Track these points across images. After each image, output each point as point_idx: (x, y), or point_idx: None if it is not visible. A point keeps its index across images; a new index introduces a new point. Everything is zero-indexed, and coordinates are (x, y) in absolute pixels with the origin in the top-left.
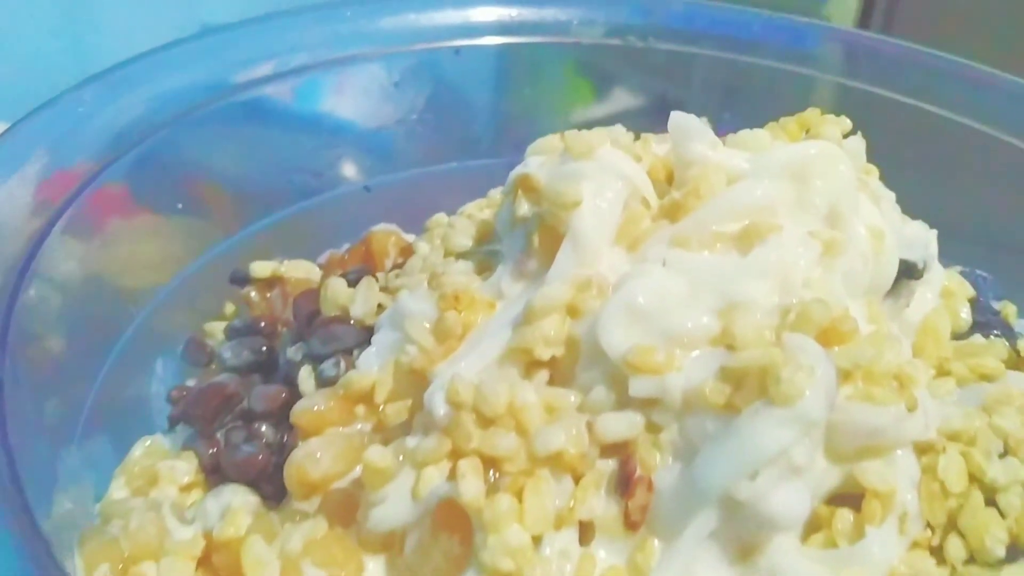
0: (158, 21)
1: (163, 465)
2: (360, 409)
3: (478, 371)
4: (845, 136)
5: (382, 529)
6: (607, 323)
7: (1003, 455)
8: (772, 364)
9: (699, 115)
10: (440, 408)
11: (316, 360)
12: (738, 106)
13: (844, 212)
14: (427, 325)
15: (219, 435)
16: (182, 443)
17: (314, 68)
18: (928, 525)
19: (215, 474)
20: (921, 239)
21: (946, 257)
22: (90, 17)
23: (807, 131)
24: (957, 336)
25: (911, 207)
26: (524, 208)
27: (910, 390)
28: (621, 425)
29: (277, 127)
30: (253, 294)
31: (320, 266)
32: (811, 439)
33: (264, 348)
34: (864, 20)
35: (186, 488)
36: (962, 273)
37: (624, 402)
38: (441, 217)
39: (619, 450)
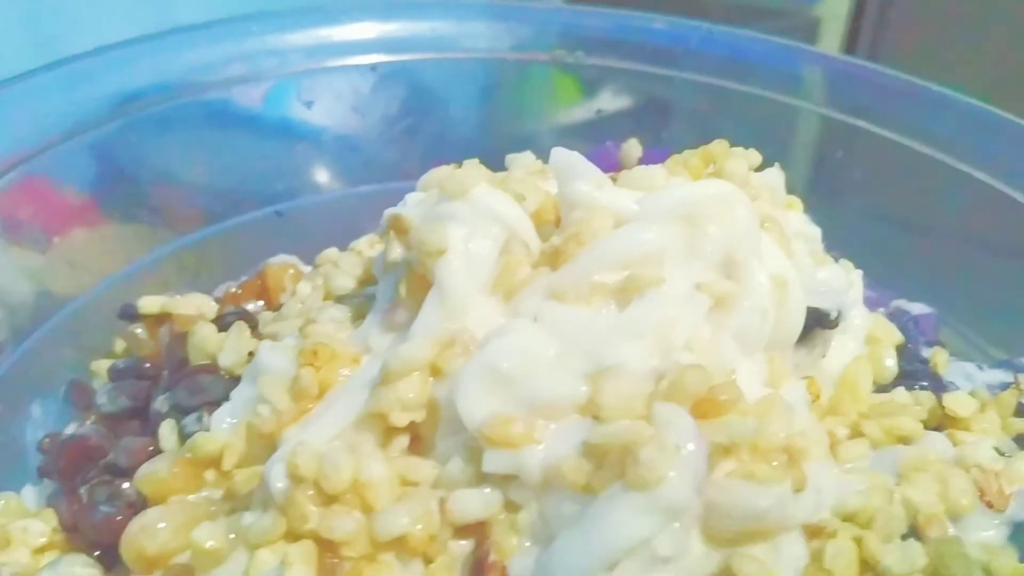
0: (130, 21)
1: (15, 526)
2: (210, 475)
3: (330, 437)
4: (759, 169)
5: None
6: (465, 388)
7: (907, 536)
8: (633, 442)
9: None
10: (278, 482)
11: (182, 413)
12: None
13: (741, 260)
14: (284, 382)
15: (83, 491)
16: (47, 498)
17: (224, 83)
18: None
19: (75, 534)
20: (837, 285)
21: (912, 292)
22: (60, 12)
23: (712, 165)
24: (881, 387)
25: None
26: (396, 252)
27: (799, 467)
28: (476, 504)
29: (185, 145)
30: (140, 331)
31: (217, 300)
32: (681, 525)
33: (146, 394)
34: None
35: (40, 550)
36: (892, 315)
37: (482, 477)
38: (331, 252)
39: (475, 531)
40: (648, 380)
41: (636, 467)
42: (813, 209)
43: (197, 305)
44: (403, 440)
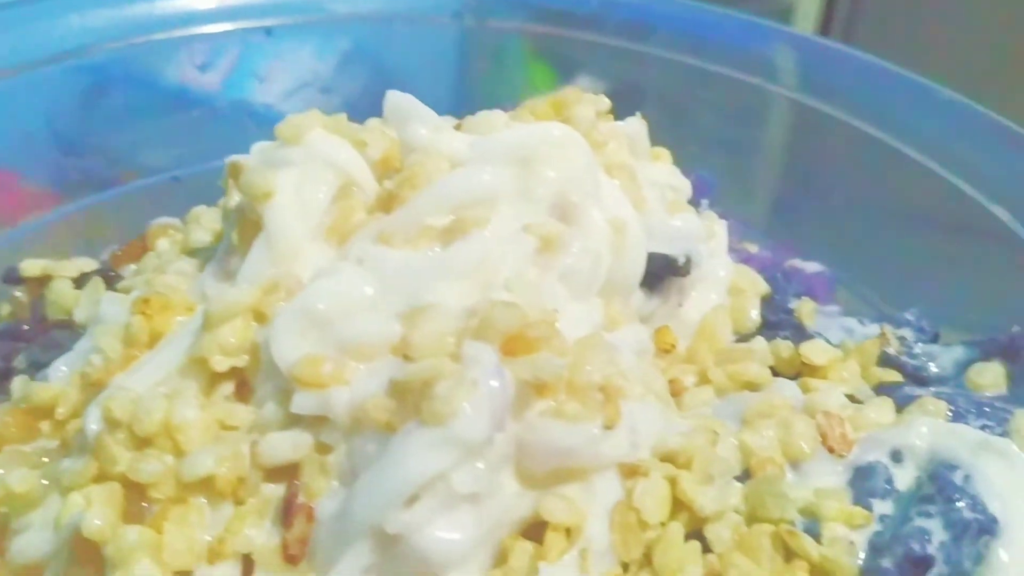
0: None
1: None
2: (46, 426)
3: (153, 383)
4: (605, 114)
5: (22, 561)
6: (279, 330)
7: (744, 478)
8: (433, 377)
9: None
10: (92, 424)
11: (38, 369)
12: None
13: (576, 203)
14: (118, 332)
15: None
16: None
17: (120, 47)
18: (621, 562)
19: None
20: (689, 232)
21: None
22: None
23: (561, 112)
24: (744, 338)
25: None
26: (234, 199)
27: (614, 405)
28: (285, 446)
29: (75, 107)
30: (19, 294)
31: (102, 263)
32: (486, 463)
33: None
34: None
35: None
36: (787, 274)
37: (294, 419)
38: (199, 209)
39: (288, 474)
40: (462, 319)
41: (431, 401)
42: (723, 171)
43: (79, 267)
44: (227, 387)
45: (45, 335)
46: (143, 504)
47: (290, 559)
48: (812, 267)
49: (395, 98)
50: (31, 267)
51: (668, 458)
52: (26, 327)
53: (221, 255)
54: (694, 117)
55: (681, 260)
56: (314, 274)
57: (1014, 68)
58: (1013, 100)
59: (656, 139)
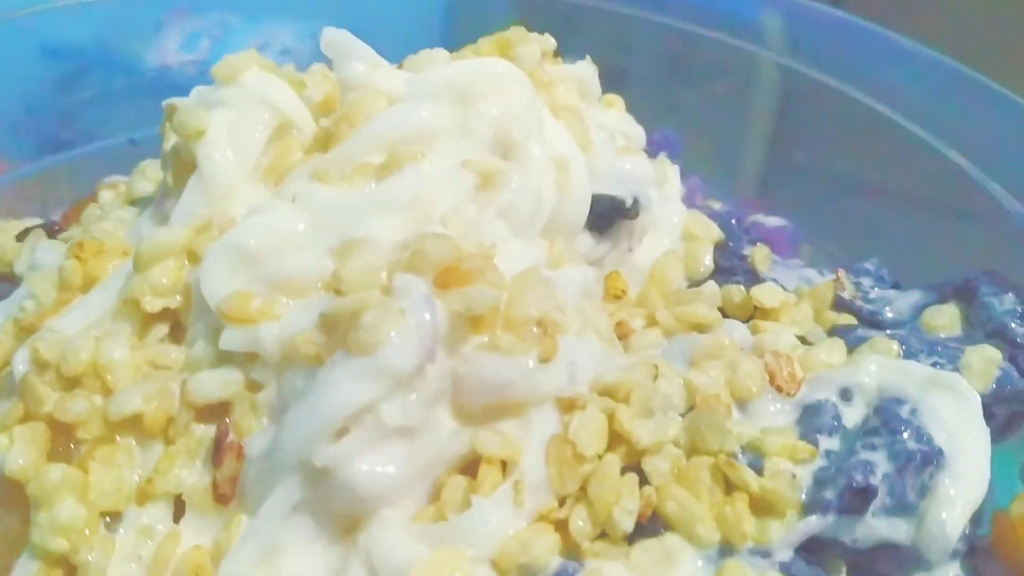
0: None
1: None
2: None
3: (85, 326)
4: (551, 54)
5: None
6: (209, 267)
7: (688, 413)
8: (360, 308)
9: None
10: (20, 365)
11: None
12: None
13: (517, 139)
14: (52, 277)
15: None
16: None
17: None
18: (557, 496)
19: None
20: (638, 175)
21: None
22: None
23: (506, 52)
24: (696, 283)
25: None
26: (171, 141)
27: (551, 339)
28: (215, 384)
29: (29, 71)
30: None
31: (54, 223)
32: (419, 396)
33: None
34: None
35: None
36: (748, 228)
37: (224, 357)
38: (148, 162)
39: (220, 413)
40: (394, 253)
41: (357, 331)
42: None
43: (26, 226)
44: (161, 329)
45: None
46: (71, 446)
47: (220, 499)
48: (774, 221)
49: (331, 34)
50: None
51: (607, 392)
52: None
53: (158, 199)
54: (672, 78)
55: (629, 202)
56: (248, 213)
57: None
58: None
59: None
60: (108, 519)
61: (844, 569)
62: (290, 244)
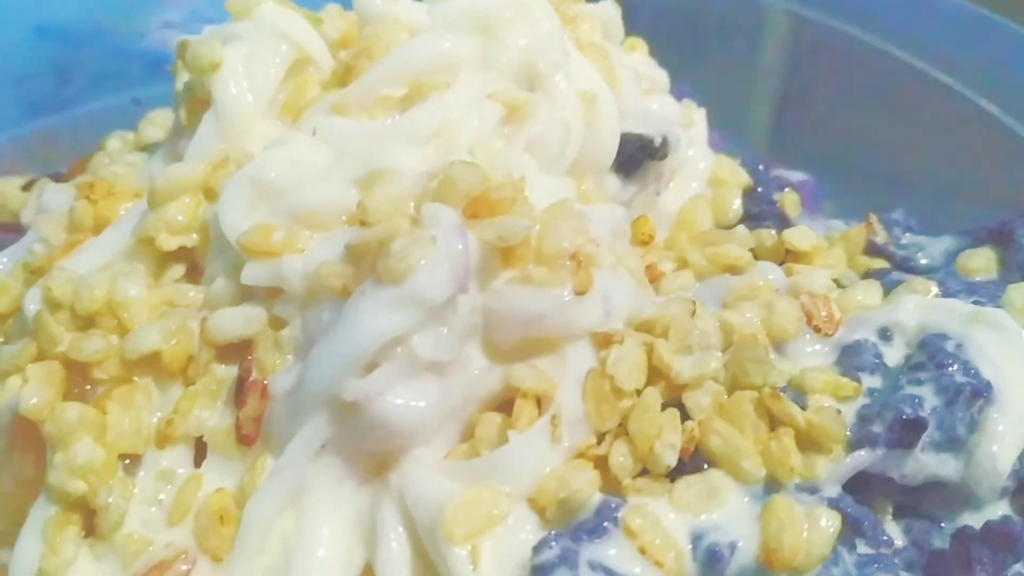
0: None
1: None
2: None
3: (97, 267)
4: None
5: None
6: (227, 200)
7: (726, 350)
8: (389, 236)
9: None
10: (31, 305)
11: None
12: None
13: (543, 72)
14: (62, 220)
15: None
16: None
17: None
18: (596, 432)
19: None
20: (667, 115)
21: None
22: None
23: None
24: (724, 228)
25: None
26: (183, 79)
27: (585, 272)
28: (236, 321)
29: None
30: None
31: (59, 176)
32: (450, 330)
33: None
34: None
35: None
36: (743, 164)
37: (246, 294)
38: (154, 112)
39: (242, 353)
40: (421, 183)
41: (387, 259)
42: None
43: (31, 179)
44: (177, 269)
45: None
46: (87, 387)
47: (244, 440)
48: (796, 176)
49: None
50: None
51: (643, 328)
52: None
53: (170, 138)
54: (685, 33)
55: (657, 141)
56: (266, 146)
57: None
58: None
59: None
60: (126, 462)
61: (890, 509)
62: (312, 176)
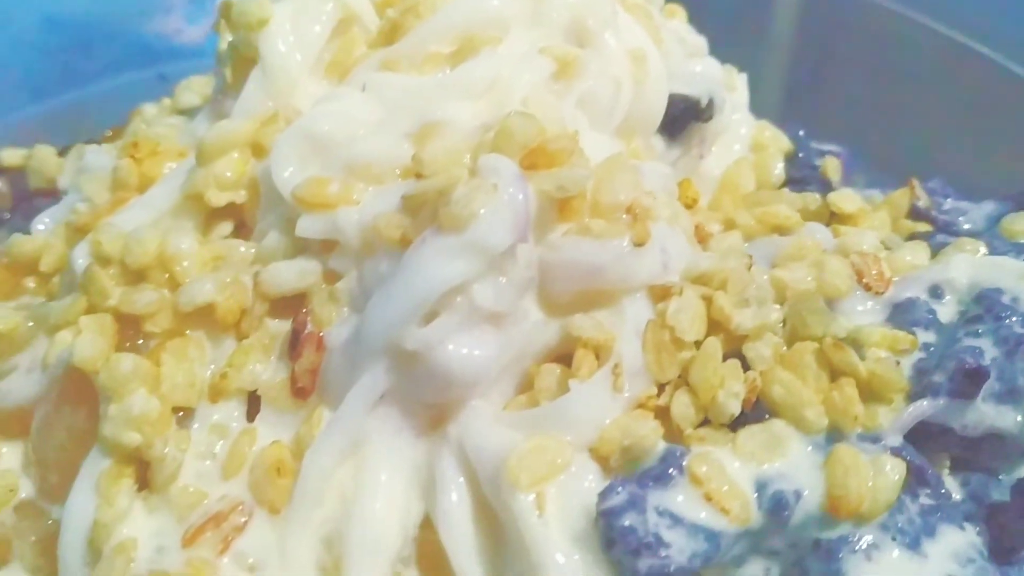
0: None
1: None
2: (31, 282)
3: (144, 223)
4: None
5: (8, 404)
6: (280, 154)
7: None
8: (449, 185)
9: None
10: (80, 259)
11: None
12: None
13: (592, 28)
14: (105, 179)
15: None
16: None
17: None
18: (656, 383)
19: None
20: (711, 76)
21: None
22: None
23: None
24: None
25: None
26: (228, 39)
27: (643, 224)
28: (291, 274)
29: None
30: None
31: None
32: (509, 281)
33: None
34: None
35: None
36: (781, 128)
37: (299, 247)
38: (190, 79)
39: (295, 307)
40: (476, 135)
41: (449, 206)
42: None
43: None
44: (225, 226)
45: (27, 203)
46: (138, 342)
47: (299, 393)
48: (829, 147)
49: None
50: (11, 156)
51: (701, 281)
52: (7, 215)
53: (214, 98)
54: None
55: (704, 101)
56: (316, 102)
57: None
58: None
59: None
60: (179, 415)
61: (947, 463)
62: (364, 129)
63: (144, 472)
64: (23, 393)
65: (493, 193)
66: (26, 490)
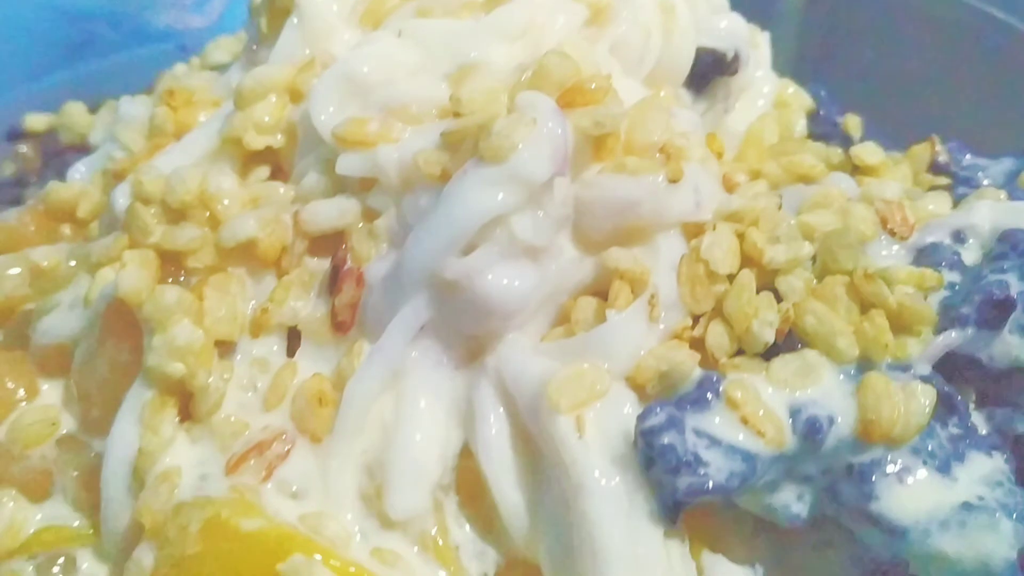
0: None
1: None
2: (67, 229)
3: (185, 165)
4: None
5: (49, 341)
6: (319, 96)
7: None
8: (490, 119)
9: None
10: (121, 199)
11: None
12: None
13: None
14: (141, 128)
15: None
16: None
17: None
18: (691, 315)
19: None
20: (737, 32)
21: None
22: None
23: None
24: None
25: None
26: None
27: (677, 162)
28: (331, 212)
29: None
30: (24, 149)
31: None
32: (546, 215)
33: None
34: None
35: None
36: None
37: (338, 187)
38: (222, 37)
39: (334, 245)
40: (513, 76)
41: (489, 138)
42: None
43: (87, 119)
44: (263, 171)
45: (59, 158)
46: (180, 278)
47: (339, 327)
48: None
49: None
50: (36, 121)
51: (733, 219)
52: (34, 178)
53: (248, 48)
54: None
55: (730, 55)
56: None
57: None
58: None
59: None
60: (221, 350)
61: (973, 398)
62: (402, 71)
63: (187, 404)
64: (64, 330)
65: (532, 126)
66: (67, 426)
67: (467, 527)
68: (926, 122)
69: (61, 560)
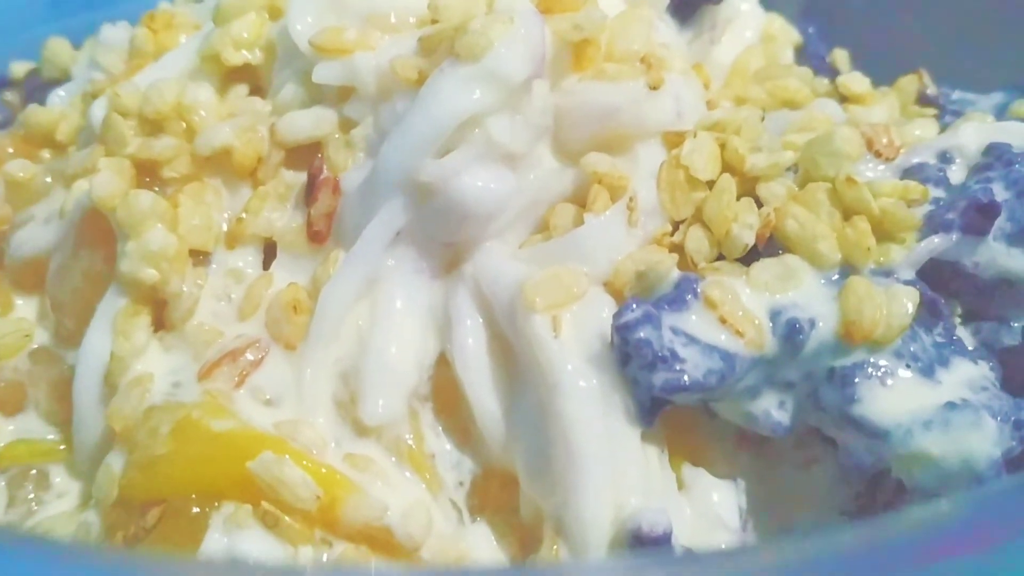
0: None
1: None
2: (46, 154)
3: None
4: None
5: (24, 254)
6: (297, 9)
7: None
8: (465, 20)
9: None
10: (98, 111)
11: None
12: None
13: None
14: (121, 51)
15: None
16: None
17: None
18: (671, 221)
19: None
20: None
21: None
22: None
23: None
24: None
25: None
26: None
27: (657, 71)
28: (306, 122)
29: None
30: (9, 96)
31: None
32: (526, 120)
33: None
34: None
35: None
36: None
37: (315, 98)
38: None
39: (311, 156)
40: None
41: (465, 36)
42: None
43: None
44: (242, 88)
45: (41, 92)
46: (155, 189)
47: (315, 236)
48: None
49: None
50: (21, 68)
51: (715, 129)
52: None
53: None
54: None
55: None
56: None
57: None
58: None
59: None
60: (195, 261)
61: (960, 312)
62: None
63: (160, 316)
64: (39, 242)
65: (509, 25)
66: (40, 340)
67: (443, 436)
68: (916, 62)
69: (33, 473)
